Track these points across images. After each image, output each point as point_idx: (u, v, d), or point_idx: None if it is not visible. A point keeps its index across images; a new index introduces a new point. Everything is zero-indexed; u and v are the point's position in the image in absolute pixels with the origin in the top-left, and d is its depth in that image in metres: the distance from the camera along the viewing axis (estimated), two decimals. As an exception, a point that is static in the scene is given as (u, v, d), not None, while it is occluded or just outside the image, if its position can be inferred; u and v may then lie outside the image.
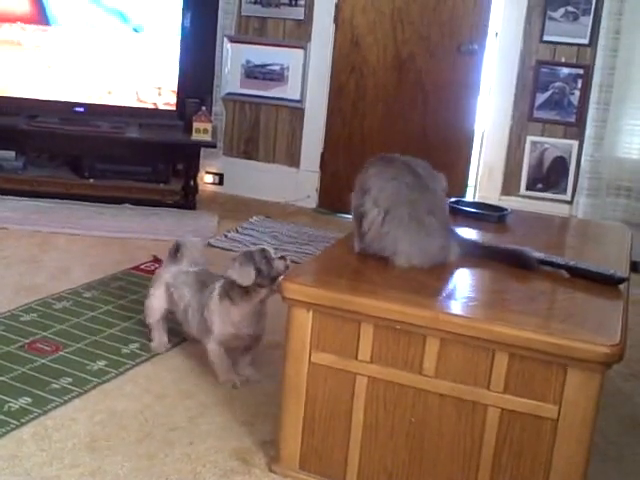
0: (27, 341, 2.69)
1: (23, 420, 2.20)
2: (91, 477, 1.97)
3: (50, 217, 4.16)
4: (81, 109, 4.56)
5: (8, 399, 2.30)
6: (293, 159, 4.95)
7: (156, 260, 3.65)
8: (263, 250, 2.41)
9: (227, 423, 2.29)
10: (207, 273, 2.69)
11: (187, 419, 2.29)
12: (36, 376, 2.45)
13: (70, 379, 2.45)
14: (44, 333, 2.76)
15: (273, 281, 2.38)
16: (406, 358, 1.90)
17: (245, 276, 2.37)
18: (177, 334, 2.81)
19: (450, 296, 1.99)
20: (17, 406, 2.27)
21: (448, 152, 4.54)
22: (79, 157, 4.66)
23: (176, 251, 2.75)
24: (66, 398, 2.33)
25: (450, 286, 2.06)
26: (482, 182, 4.62)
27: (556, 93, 4.39)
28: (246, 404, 2.40)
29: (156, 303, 2.71)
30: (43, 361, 2.55)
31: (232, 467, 2.07)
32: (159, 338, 2.74)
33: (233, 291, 2.43)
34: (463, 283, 2.13)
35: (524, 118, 4.48)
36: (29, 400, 2.30)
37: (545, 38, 4.36)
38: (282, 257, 2.42)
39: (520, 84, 4.46)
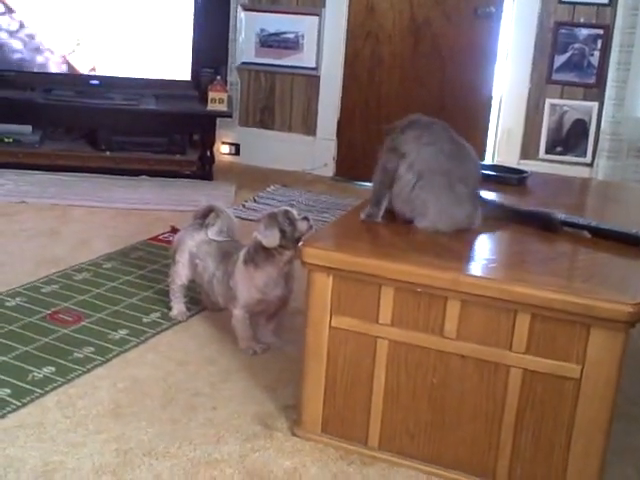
0: (49, 312, 2.71)
1: (47, 388, 2.22)
2: (115, 443, 1.99)
3: (68, 190, 4.17)
4: (96, 82, 4.55)
5: (32, 368, 2.32)
6: (309, 127, 4.92)
7: (174, 230, 3.65)
8: (286, 211, 2.39)
9: (249, 388, 2.30)
10: (231, 243, 2.65)
11: (210, 385, 2.31)
12: (59, 346, 2.47)
13: (92, 348, 2.47)
14: (65, 304, 2.78)
15: (297, 242, 2.35)
16: (427, 320, 1.90)
17: (270, 238, 2.36)
18: (197, 302, 2.83)
19: (471, 258, 1.98)
20: (41, 375, 2.29)
21: (466, 117, 4.48)
22: (95, 130, 4.65)
23: (205, 215, 2.70)
24: (89, 367, 2.35)
25: (471, 248, 2.05)
26: (500, 146, 4.57)
27: (575, 54, 4.31)
28: (268, 370, 2.41)
29: (182, 270, 2.70)
30: (65, 331, 2.57)
31: (255, 431, 2.09)
32: (178, 306, 2.74)
33: (257, 255, 2.42)
34: (483, 245, 2.12)
35: (543, 81, 4.42)
36: (53, 369, 2.32)
37: (563, -2, 4.29)
38: (305, 218, 2.39)
39: (538, 46, 4.38)
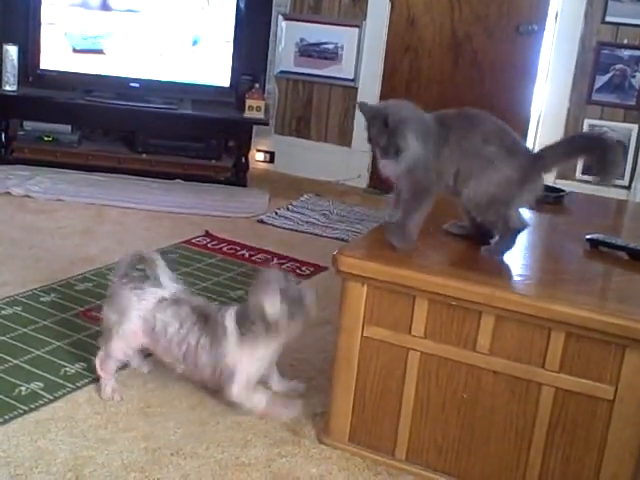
0: (82, 309, 2.74)
1: (79, 384, 2.25)
2: (144, 441, 2.01)
3: (104, 190, 4.22)
4: (136, 85, 4.60)
5: (65, 364, 2.35)
6: (345, 138, 4.94)
7: (208, 235, 3.69)
8: (286, 275, 2.04)
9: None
10: (197, 299, 2.24)
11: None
12: (91, 343, 2.48)
13: (124, 347, 2.49)
14: (99, 302, 2.80)
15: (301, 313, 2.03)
16: (460, 334, 1.89)
17: (274, 305, 1.98)
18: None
19: (507, 273, 1.97)
20: (73, 371, 2.32)
21: (502, 134, 4.47)
22: (133, 132, 4.71)
23: (133, 267, 2.23)
24: (120, 366, 2.37)
25: (507, 264, 2.04)
26: (536, 165, 4.55)
27: (617, 75, 4.29)
28: (297, 378, 2.40)
29: (130, 342, 2.18)
30: (98, 328, 2.58)
31: (282, 437, 2.09)
32: (111, 383, 2.21)
33: (256, 325, 2.02)
34: (520, 261, 2.10)
35: (582, 101, 4.39)
36: (84, 365, 2.35)
37: (607, 19, 4.25)
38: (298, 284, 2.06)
39: (579, 66, 4.36)
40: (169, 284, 2.18)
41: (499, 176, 1.97)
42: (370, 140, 1.99)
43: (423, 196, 2.00)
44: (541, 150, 2.08)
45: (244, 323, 2.04)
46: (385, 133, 1.93)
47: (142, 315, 2.14)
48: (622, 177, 4.38)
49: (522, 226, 2.05)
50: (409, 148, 1.94)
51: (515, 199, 2.00)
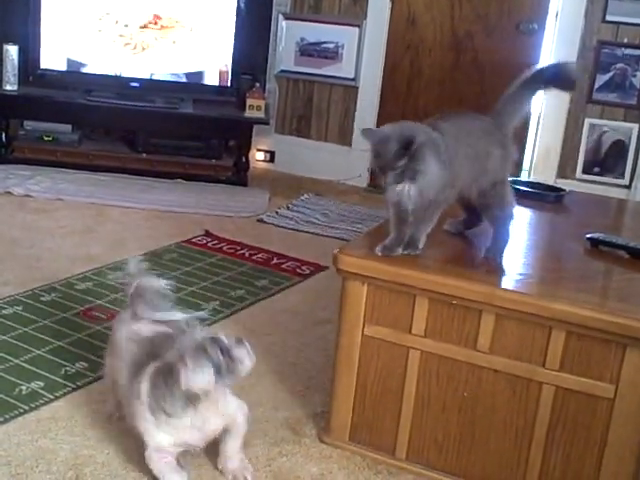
0: (83, 308, 2.74)
1: (79, 383, 2.25)
2: (145, 440, 2.01)
3: (104, 190, 4.22)
4: (136, 84, 4.60)
5: (65, 363, 2.35)
6: (345, 138, 4.93)
7: (208, 234, 3.69)
8: (215, 339, 1.71)
9: (278, 393, 2.30)
10: (159, 336, 1.88)
11: (239, 388, 2.28)
12: (92, 342, 2.49)
13: (124, 346, 2.49)
14: (99, 301, 2.81)
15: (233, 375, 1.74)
16: (461, 333, 1.89)
17: (201, 380, 1.68)
18: (228, 305, 2.83)
19: (507, 272, 1.97)
20: (74, 370, 2.32)
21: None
22: (133, 132, 4.71)
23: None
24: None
25: (507, 262, 2.04)
26: (538, 164, 4.55)
27: (617, 74, 4.28)
28: (297, 376, 2.41)
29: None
30: (98, 328, 2.60)
31: (283, 436, 2.09)
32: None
33: (172, 399, 1.71)
34: (520, 260, 2.10)
35: (583, 100, 4.38)
36: (85, 365, 2.35)
37: (607, 18, 4.24)
38: (239, 340, 1.75)
39: (580, 65, 4.33)
40: (145, 315, 1.95)
41: (494, 161, 2.02)
42: (379, 166, 1.87)
43: (437, 212, 2.00)
44: (497, 116, 2.11)
45: (156, 395, 1.73)
46: (403, 157, 1.82)
47: (118, 342, 1.99)
48: (622, 176, 4.38)
49: (513, 214, 2.08)
50: (428, 172, 1.86)
51: (507, 171, 2.08)
